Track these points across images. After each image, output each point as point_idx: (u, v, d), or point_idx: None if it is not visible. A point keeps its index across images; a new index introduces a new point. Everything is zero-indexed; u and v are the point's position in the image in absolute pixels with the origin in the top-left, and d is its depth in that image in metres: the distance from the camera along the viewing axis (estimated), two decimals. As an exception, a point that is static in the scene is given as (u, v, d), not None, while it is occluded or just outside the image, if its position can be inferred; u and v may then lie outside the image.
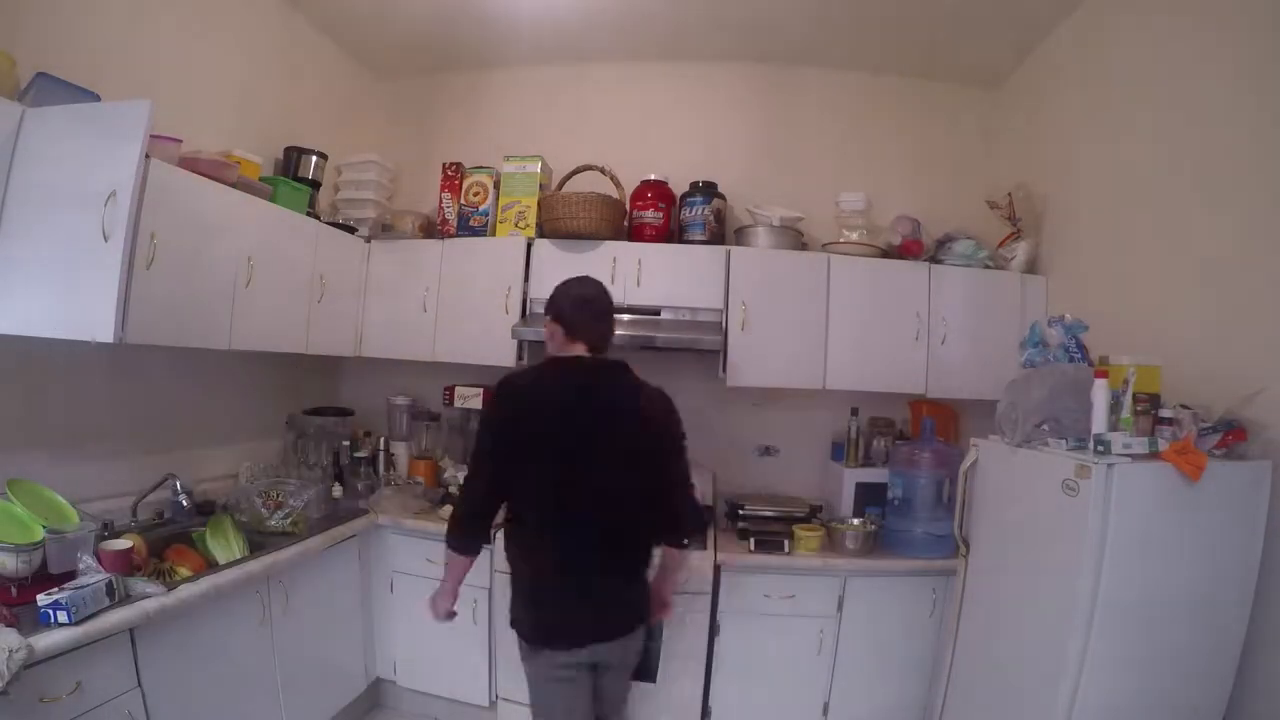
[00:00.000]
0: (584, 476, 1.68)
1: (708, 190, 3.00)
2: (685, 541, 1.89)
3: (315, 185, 2.89)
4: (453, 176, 3.13)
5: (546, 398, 1.72)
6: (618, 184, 2.95)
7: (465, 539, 1.78)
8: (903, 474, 2.68)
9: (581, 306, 1.80)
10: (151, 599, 1.68)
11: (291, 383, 3.08)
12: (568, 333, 1.78)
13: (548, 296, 1.87)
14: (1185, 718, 1.69)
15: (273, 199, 2.48)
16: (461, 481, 1.98)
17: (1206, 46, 2.02)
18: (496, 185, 3.08)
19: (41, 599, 1.49)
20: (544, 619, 1.73)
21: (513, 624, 1.78)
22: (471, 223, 3.08)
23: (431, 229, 3.17)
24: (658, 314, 2.86)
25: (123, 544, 1.80)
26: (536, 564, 1.74)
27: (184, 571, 1.98)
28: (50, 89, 1.83)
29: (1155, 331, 2.09)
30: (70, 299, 1.74)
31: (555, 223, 2.88)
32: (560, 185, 3.00)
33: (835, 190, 3.05)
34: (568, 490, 1.68)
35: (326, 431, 3.02)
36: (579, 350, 1.78)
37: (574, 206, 2.82)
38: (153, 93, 1.82)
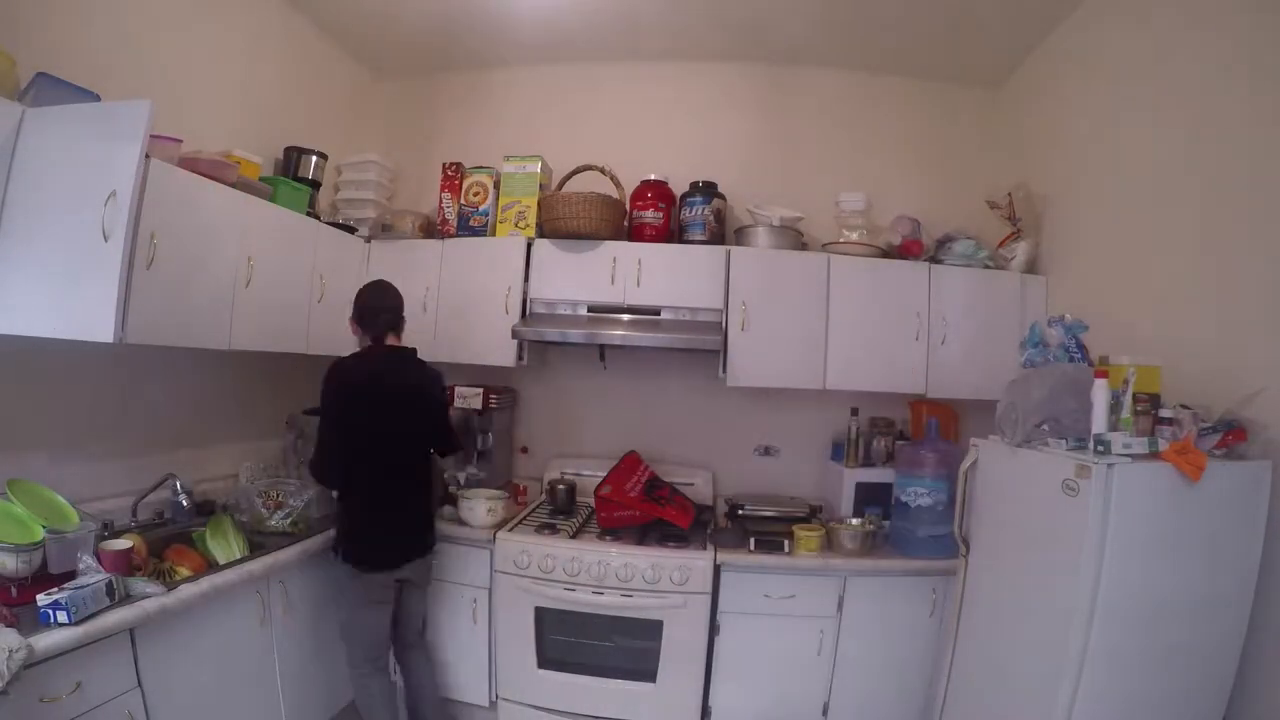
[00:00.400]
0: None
1: (708, 190, 3.00)
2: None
3: (315, 185, 2.89)
4: (453, 176, 3.13)
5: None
6: (618, 184, 2.95)
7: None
8: (911, 476, 2.64)
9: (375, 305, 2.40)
10: (151, 599, 1.68)
11: (291, 383, 3.07)
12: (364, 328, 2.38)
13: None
14: (1185, 718, 1.69)
15: (273, 199, 2.48)
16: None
17: (1207, 46, 2.02)
18: (496, 185, 3.08)
19: (41, 599, 1.49)
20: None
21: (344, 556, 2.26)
22: (471, 223, 3.08)
23: (431, 229, 3.17)
24: (658, 314, 2.86)
25: (123, 544, 1.80)
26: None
27: (184, 571, 1.98)
28: (50, 89, 1.83)
29: (1155, 331, 2.09)
30: (70, 299, 1.74)
31: (555, 223, 2.88)
32: (560, 185, 3.00)
33: (835, 190, 3.05)
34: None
35: (326, 431, 3.01)
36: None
37: (574, 206, 2.82)
38: (153, 93, 1.82)
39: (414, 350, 2.44)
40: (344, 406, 2.22)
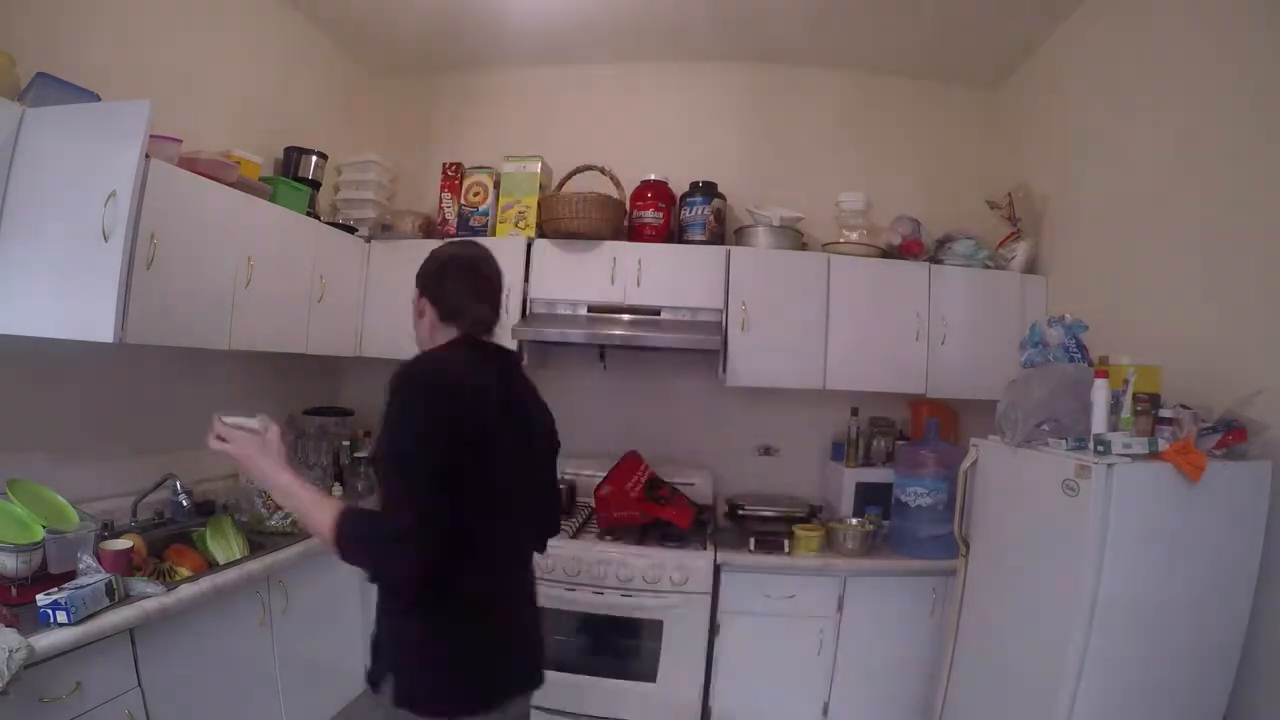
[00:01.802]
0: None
1: (708, 190, 3.00)
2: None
3: (315, 185, 2.89)
4: (453, 176, 3.13)
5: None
6: (618, 184, 2.95)
7: None
8: (911, 476, 2.64)
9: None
10: (151, 599, 1.68)
11: (291, 383, 3.07)
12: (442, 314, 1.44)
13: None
14: (1186, 718, 1.69)
15: (272, 199, 2.47)
16: None
17: (1207, 46, 2.02)
18: (496, 185, 3.08)
19: (41, 599, 1.48)
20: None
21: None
22: (471, 223, 3.08)
23: (431, 229, 3.17)
24: (658, 314, 2.86)
25: (123, 544, 1.80)
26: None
27: (184, 571, 1.98)
28: (50, 89, 1.83)
29: (1155, 331, 2.09)
30: (70, 299, 1.74)
31: (555, 223, 2.88)
32: (560, 185, 3.00)
33: (835, 190, 3.05)
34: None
35: (326, 431, 3.02)
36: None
37: (574, 206, 2.82)
38: (153, 93, 1.82)
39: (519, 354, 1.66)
40: (462, 432, 1.23)
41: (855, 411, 2.94)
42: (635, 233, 2.98)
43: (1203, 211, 1.99)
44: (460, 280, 1.45)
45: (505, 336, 2.82)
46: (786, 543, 2.58)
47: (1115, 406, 1.74)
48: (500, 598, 1.36)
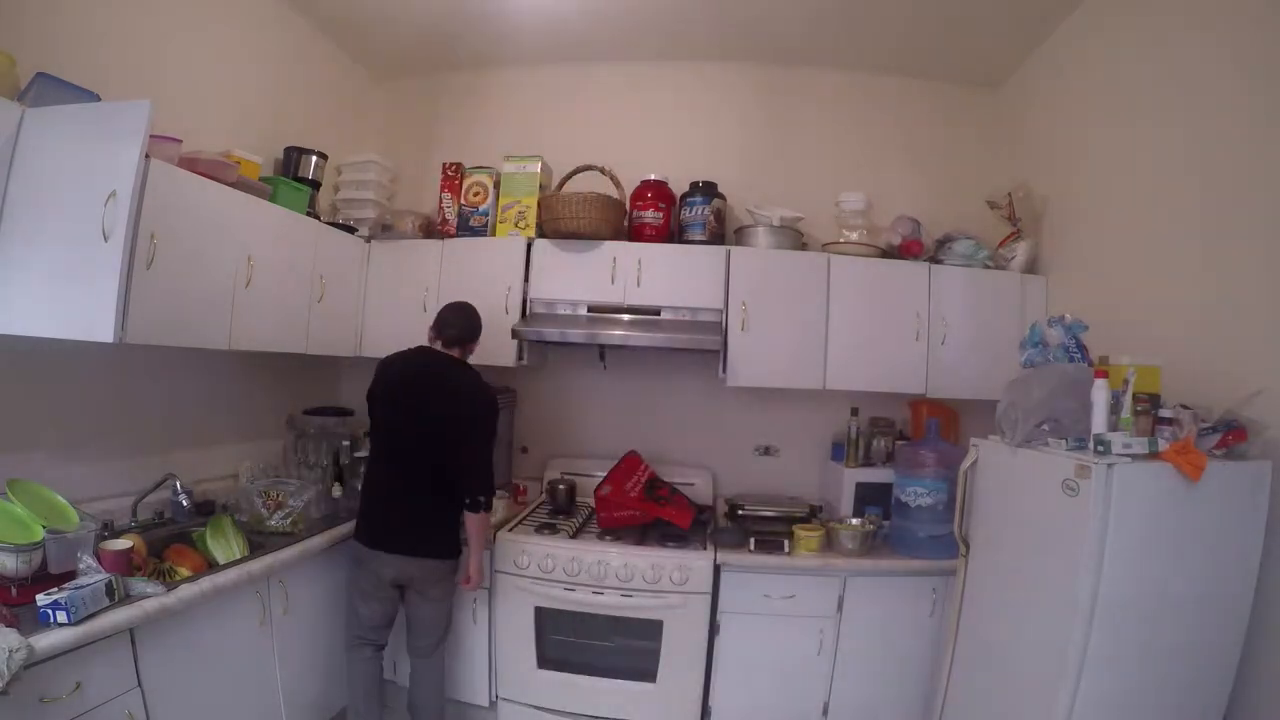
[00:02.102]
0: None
1: (708, 190, 3.00)
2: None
3: (315, 185, 2.89)
4: (453, 176, 3.13)
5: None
6: (618, 184, 2.95)
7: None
8: (911, 476, 2.64)
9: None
10: (151, 599, 1.68)
11: (291, 383, 3.07)
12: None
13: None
14: (1186, 718, 1.69)
15: (272, 199, 2.47)
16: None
17: (1207, 45, 2.01)
18: (496, 185, 3.08)
19: (41, 599, 1.48)
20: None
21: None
22: (471, 223, 3.08)
23: (431, 229, 3.17)
24: (658, 314, 2.86)
25: (123, 544, 1.80)
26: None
27: (184, 571, 1.98)
28: (50, 89, 1.83)
29: (1155, 331, 2.09)
30: (70, 299, 1.74)
31: (555, 223, 2.88)
32: (560, 185, 3.00)
33: (835, 190, 3.05)
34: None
35: (326, 431, 3.01)
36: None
37: (574, 206, 2.82)
38: (153, 93, 1.82)
39: (470, 366, 2.47)
40: (379, 391, 2.40)
41: (855, 411, 2.94)
42: (635, 233, 2.98)
43: (1203, 211, 1.99)
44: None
45: (505, 336, 2.83)
46: (786, 543, 2.58)
47: (1115, 406, 1.74)
48: (376, 479, 2.39)
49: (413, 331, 3.07)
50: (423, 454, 2.30)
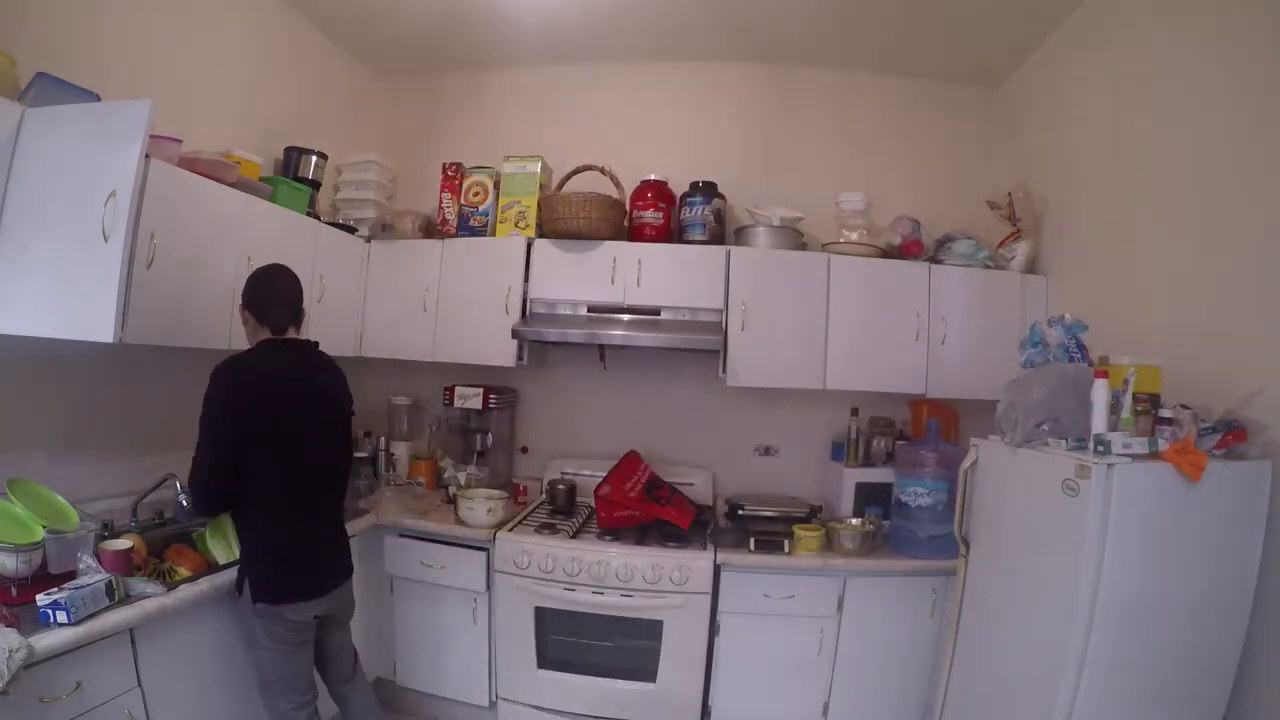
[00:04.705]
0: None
1: (708, 190, 3.00)
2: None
3: (315, 185, 2.89)
4: (453, 176, 3.13)
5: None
6: (618, 184, 2.95)
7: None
8: (911, 476, 2.64)
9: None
10: (151, 599, 1.68)
11: (291, 383, 3.07)
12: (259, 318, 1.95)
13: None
14: (1185, 718, 1.69)
15: (272, 199, 2.48)
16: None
17: (1206, 46, 2.02)
18: (496, 185, 3.08)
19: (41, 599, 1.48)
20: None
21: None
22: (471, 223, 3.08)
23: (431, 229, 3.17)
24: (658, 314, 2.86)
25: (123, 544, 1.80)
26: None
27: (184, 571, 1.98)
28: (50, 89, 1.83)
29: (1155, 331, 2.09)
30: (70, 299, 1.74)
31: (555, 223, 2.88)
32: (560, 185, 3.00)
33: (835, 190, 3.04)
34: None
35: (326, 431, 3.01)
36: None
37: (574, 207, 2.82)
38: (153, 93, 1.81)
39: (317, 344, 2.10)
40: (246, 408, 1.81)
41: (855, 411, 2.94)
42: (635, 233, 2.98)
43: (1203, 211, 1.99)
44: (261, 289, 1.95)
45: (505, 336, 2.83)
46: (786, 543, 2.58)
47: (1115, 406, 1.74)
48: (295, 513, 1.91)
49: (413, 332, 3.07)
50: (326, 466, 2.02)
